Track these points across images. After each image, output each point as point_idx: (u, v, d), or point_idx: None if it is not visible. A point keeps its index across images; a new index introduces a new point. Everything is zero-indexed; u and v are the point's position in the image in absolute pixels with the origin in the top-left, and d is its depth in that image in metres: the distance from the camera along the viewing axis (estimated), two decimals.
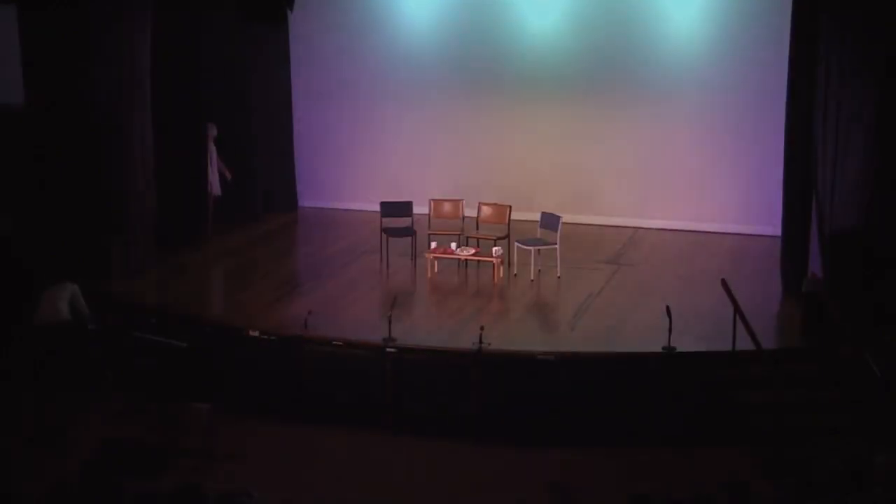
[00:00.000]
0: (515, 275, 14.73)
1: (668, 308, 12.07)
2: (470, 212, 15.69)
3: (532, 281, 14.52)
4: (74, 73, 14.24)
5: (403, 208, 15.89)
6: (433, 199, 15.79)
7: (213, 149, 16.47)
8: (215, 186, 16.49)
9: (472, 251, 14.74)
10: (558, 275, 14.67)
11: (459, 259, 14.87)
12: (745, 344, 11.47)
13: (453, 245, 14.88)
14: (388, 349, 12.10)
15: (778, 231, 14.15)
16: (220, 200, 16.64)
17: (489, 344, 11.93)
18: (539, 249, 14.75)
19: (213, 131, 16.39)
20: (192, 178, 15.96)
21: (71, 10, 13.94)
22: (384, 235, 15.36)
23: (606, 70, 16.85)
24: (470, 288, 14.36)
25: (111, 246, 14.22)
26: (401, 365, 12.09)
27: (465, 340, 12.13)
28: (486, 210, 15.48)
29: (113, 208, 14.49)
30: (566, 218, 15.11)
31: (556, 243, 14.73)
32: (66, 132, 14.34)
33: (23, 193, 14.80)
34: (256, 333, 12.56)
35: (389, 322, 12.18)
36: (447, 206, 15.76)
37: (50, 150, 14.42)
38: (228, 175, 16.74)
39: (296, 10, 13.96)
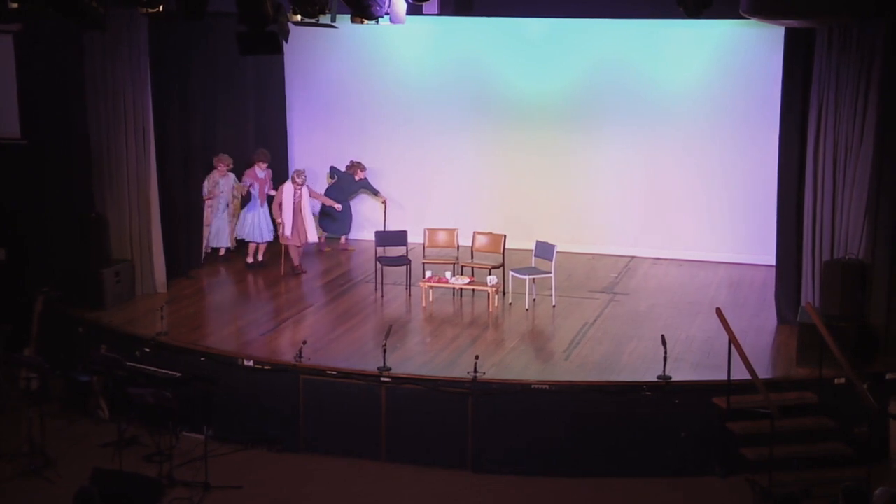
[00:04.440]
0: (510, 304, 14.69)
1: (663, 337, 12.07)
2: (465, 241, 15.67)
3: (527, 310, 14.48)
4: (70, 106, 14.28)
5: (398, 238, 15.90)
6: (428, 229, 15.74)
7: (301, 194, 15.97)
8: (308, 232, 16.01)
9: (467, 280, 14.72)
10: (553, 304, 14.64)
11: (454, 288, 14.86)
12: (740, 373, 11.39)
13: (448, 274, 14.89)
14: (383, 378, 12.06)
15: (773, 261, 14.13)
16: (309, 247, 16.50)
17: (484, 373, 11.94)
18: (534, 279, 14.73)
19: (300, 178, 16.00)
20: (188, 210, 15.93)
21: (67, 43, 14.00)
22: (379, 265, 15.34)
23: (602, 101, 16.88)
24: (465, 317, 14.31)
25: (105, 276, 14.16)
26: (396, 394, 12.05)
27: (461, 370, 12.13)
28: (480, 239, 15.44)
29: (109, 239, 14.51)
30: (561, 247, 15.08)
31: (550, 272, 14.69)
32: (62, 165, 14.39)
33: (18, 224, 14.80)
34: (251, 363, 12.51)
35: (384, 351, 12.16)
36: (442, 236, 15.71)
37: (46, 181, 14.45)
38: (338, 207, 16.88)
39: (291, 41, 13.97)
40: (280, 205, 15.97)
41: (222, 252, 16.69)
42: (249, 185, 16.41)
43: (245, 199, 16.68)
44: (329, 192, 17.26)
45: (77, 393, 13.18)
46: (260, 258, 16.48)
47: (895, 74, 12.11)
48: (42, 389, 12.52)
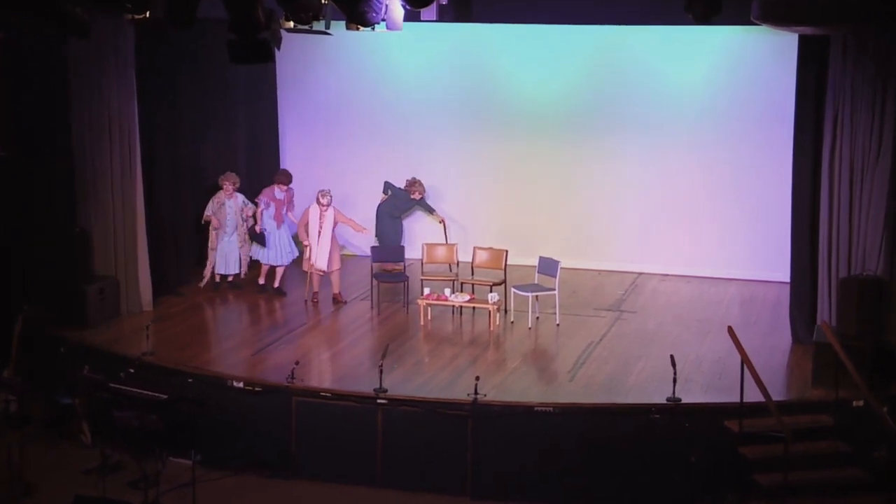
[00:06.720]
0: (512, 322, 14.53)
1: (672, 357, 11.89)
2: (464, 257, 15.52)
3: (530, 329, 14.31)
4: (53, 117, 14.11)
5: (395, 253, 15.76)
6: (426, 244, 15.63)
7: (326, 216, 15.09)
8: (319, 259, 15.08)
9: (467, 298, 14.53)
10: (557, 322, 14.46)
11: (454, 306, 14.68)
12: (753, 395, 11.19)
13: (447, 291, 14.68)
14: (380, 400, 11.92)
15: (786, 277, 13.99)
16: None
17: (485, 395, 11.81)
18: (537, 296, 14.53)
19: (325, 199, 15.13)
20: (176, 225, 15.81)
21: (50, 52, 13.83)
22: (375, 281, 15.18)
23: (608, 115, 16.77)
24: (465, 336, 14.14)
25: (89, 292, 14.03)
26: (392, 417, 11.88)
27: (460, 391, 11.99)
28: (481, 255, 15.25)
29: (93, 254, 14.38)
30: (565, 263, 14.91)
31: (554, 289, 14.51)
32: (45, 178, 14.21)
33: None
34: (241, 384, 12.36)
35: (381, 372, 11.99)
36: (441, 251, 15.59)
37: (27, 196, 14.24)
38: (366, 231, 16.17)
39: (283, 49, 13.79)
40: (306, 227, 15.28)
41: (230, 279, 16.04)
42: (264, 206, 15.72)
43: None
44: (382, 209, 16.83)
45: (58, 416, 12.98)
46: (276, 283, 15.76)
47: None
48: (21, 412, 12.28)
